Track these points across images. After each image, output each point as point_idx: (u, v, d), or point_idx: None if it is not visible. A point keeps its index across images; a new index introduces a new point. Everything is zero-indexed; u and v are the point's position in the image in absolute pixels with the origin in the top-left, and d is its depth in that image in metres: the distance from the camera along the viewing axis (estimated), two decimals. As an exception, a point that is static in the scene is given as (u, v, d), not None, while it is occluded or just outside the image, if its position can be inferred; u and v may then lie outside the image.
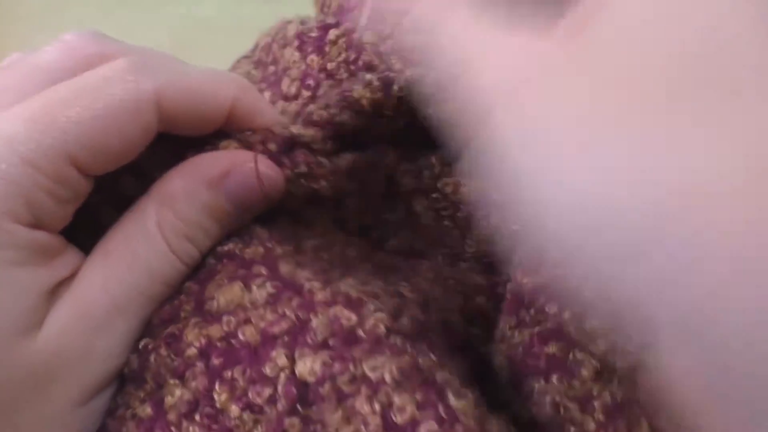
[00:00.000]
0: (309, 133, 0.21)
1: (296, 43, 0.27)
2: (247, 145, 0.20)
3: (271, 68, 0.29)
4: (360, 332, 0.17)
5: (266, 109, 0.22)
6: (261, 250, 0.20)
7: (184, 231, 0.19)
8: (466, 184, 0.23)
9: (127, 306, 0.19)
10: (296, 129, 0.21)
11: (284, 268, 0.20)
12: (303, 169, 0.21)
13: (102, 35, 0.21)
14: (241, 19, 0.40)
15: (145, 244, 0.19)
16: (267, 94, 0.23)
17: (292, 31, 0.28)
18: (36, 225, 0.17)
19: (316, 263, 0.21)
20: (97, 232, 0.20)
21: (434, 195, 0.22)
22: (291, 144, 0.21)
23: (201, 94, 0.20)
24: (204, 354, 0.18)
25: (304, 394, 0.17)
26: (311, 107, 0.22)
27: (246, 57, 0.36)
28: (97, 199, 0.20)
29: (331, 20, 0.26)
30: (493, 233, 0.22)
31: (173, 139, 0.20)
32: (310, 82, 0.25)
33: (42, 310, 0.17)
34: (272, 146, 0.21)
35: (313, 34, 0.26)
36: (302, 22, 0.28)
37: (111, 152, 0.18)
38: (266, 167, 0.20)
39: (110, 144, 0.18)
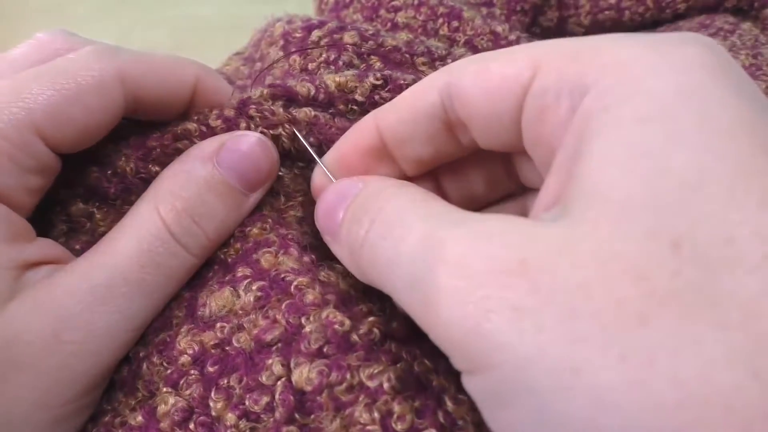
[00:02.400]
0: (258, 91, 0.21)
1: (281, 42, 0.27)
2: (205, 119, 0.21)
3: (258, 65, 0.30)
4: (354, 338, 0.17)
5: (228, 88, 0.22)
6: (237, 245, 0.20)
7: (183, 206, 0.19)
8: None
9: (106, 294, 0.18)
10: (247, 93, 0.21)
11: (265, 261, 0.19)
12: (256, 116, 0.21)
13: (71, 34, 0.21)
14: (241, 19, 0.41)
15: (137, 226, 0.19)
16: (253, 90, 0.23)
17: (278, 30, 0.28)
18: None
19: (298, 238, 0.20)
20: (69, 226, 0.21)
21: None
22: (243, 105, 0.21)
23: (164, 71, 0.20)
24: (198, 361, 0.18)
25: (301, 402, 0.17)
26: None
27: (237, 54, 0.37)
28: (66, 194, 0.20)
29: (315, 20, 0.26)
30: None
31: (137, 130, 0.21)
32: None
33: (5, 286, 0.17)
34: (229, 112, 0.21)
35: (298, 35, 0.26)
36: (289, 21, 0.28)
37: (76, 124, 0.18)
38: (259, 137, 0.20)
39: (74, 115, 0.18)
